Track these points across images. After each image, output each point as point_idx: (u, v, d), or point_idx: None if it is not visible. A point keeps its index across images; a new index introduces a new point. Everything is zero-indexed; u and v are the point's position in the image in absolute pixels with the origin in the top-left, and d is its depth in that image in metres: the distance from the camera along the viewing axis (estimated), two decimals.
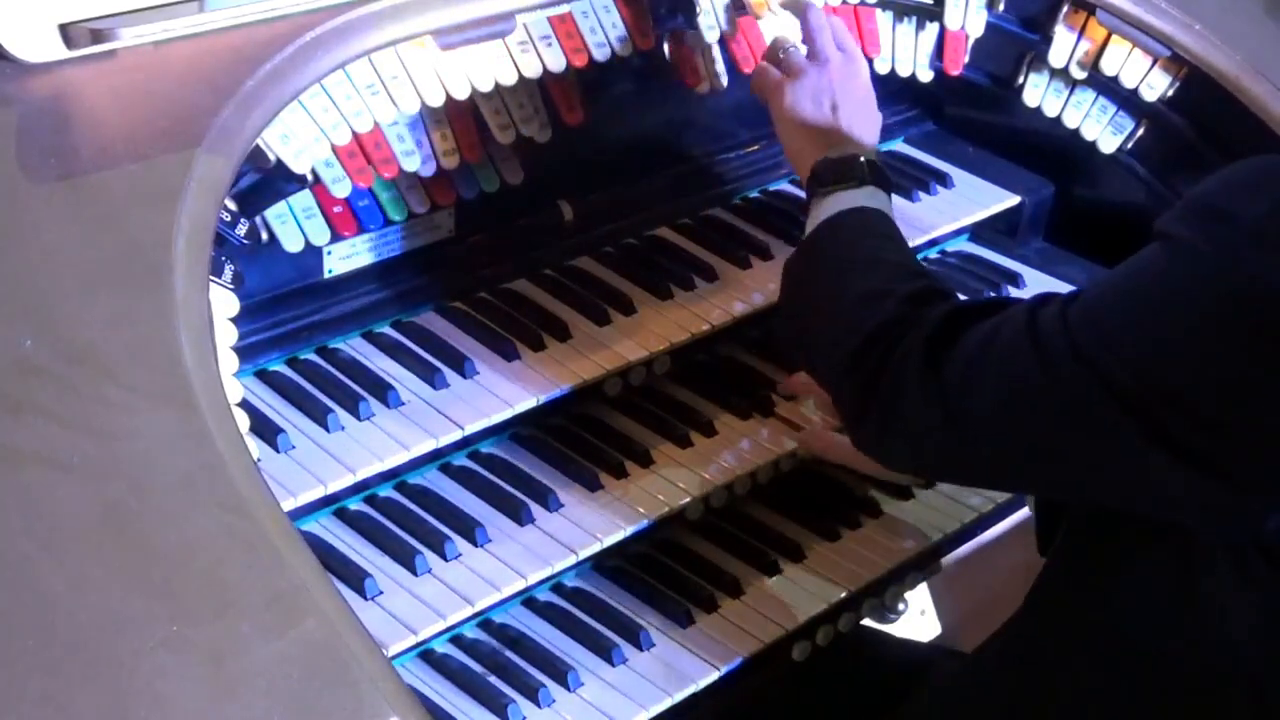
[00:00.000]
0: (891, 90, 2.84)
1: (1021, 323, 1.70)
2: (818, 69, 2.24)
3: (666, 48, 2.38)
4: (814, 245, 2.08)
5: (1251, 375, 1.54)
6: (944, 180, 2.77)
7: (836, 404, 2.00)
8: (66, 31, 1.77)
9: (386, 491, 2.08)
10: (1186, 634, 1.73)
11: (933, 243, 2.70)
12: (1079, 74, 2.63)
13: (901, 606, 2.64)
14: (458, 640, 2.00)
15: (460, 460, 2.14)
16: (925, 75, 2.70)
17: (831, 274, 2.01)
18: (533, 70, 2.18)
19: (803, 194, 2.66)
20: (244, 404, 1.75)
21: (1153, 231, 1.64)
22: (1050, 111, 2.69)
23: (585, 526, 2.06)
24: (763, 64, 2.33)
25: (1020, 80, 2.70)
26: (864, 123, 2.22)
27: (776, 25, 2.49)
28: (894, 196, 2.68)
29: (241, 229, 1.93)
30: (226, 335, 1.76)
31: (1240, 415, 1.56)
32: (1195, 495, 1.62)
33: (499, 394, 2.12)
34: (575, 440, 2.19)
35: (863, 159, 2.14)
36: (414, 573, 1.96)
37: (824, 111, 2.20)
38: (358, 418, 2.05)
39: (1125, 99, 2.63)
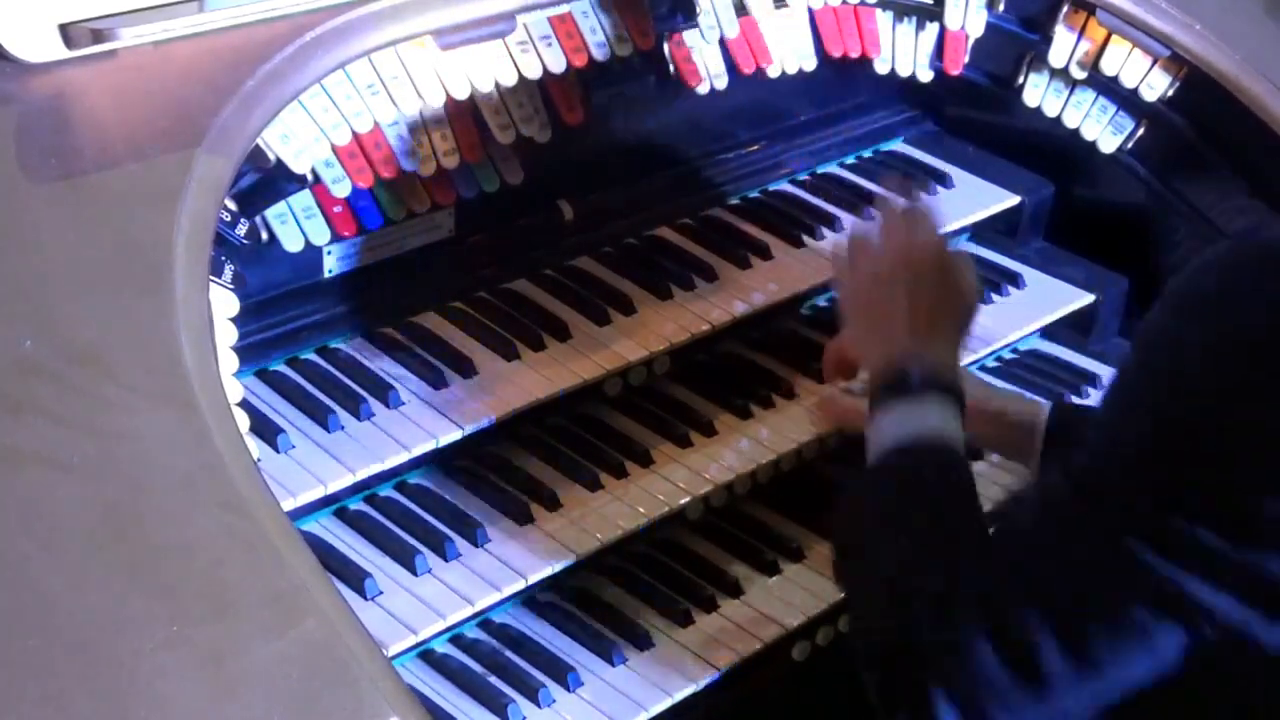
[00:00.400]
0: (891, 90, 2.85)
1: (1038, 517, 1.65)
2: (881, 254, 1.97)
3: (666, 48, 2.38)
4: (874, 483, 1.84)
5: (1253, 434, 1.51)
6: (944, 180, 2.77)
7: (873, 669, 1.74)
8: (66, 31, 1.77)
9: (386, 491, 2.08)
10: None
11: None
12: (1079, 74, 2.63)
13: None
14: (458, 640, 2.00)
15: (460, 460, 2.14)
16: (925, 75, 2.71)
17: (887, 528, 1.78)
18: (533, 70, 2.18)
19: (803, 193, 2.68)
20: (244, 404, 1.75)
21: (1133, 340, 1.63)
22: (1050, 111, 2.69)
23: (585, 526, 2.06)
24: (837, 245, 2.07)
25: (1020, 80, 2.70)
26: (936, 314, 1.92)
27: (778, 25, 2.50)
28: (894, 196, 2.69)
29: (241, 229, 1.94)
30: (226, 335, 1.76)
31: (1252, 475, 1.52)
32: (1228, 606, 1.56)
33: (499, 394, 2.12)
34: (575, 440, 2.19)
35: (927, 365, 1.85)
36: (414, 573, 1.96)
37: (888, 303, 1.91)
38: (358, 418, 2.05)
39: (1125, 99, 2.63)
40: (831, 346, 2.26)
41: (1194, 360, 1.54)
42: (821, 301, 2.55)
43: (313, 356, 2.15)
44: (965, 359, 2.44)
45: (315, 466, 1.97)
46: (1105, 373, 2.61)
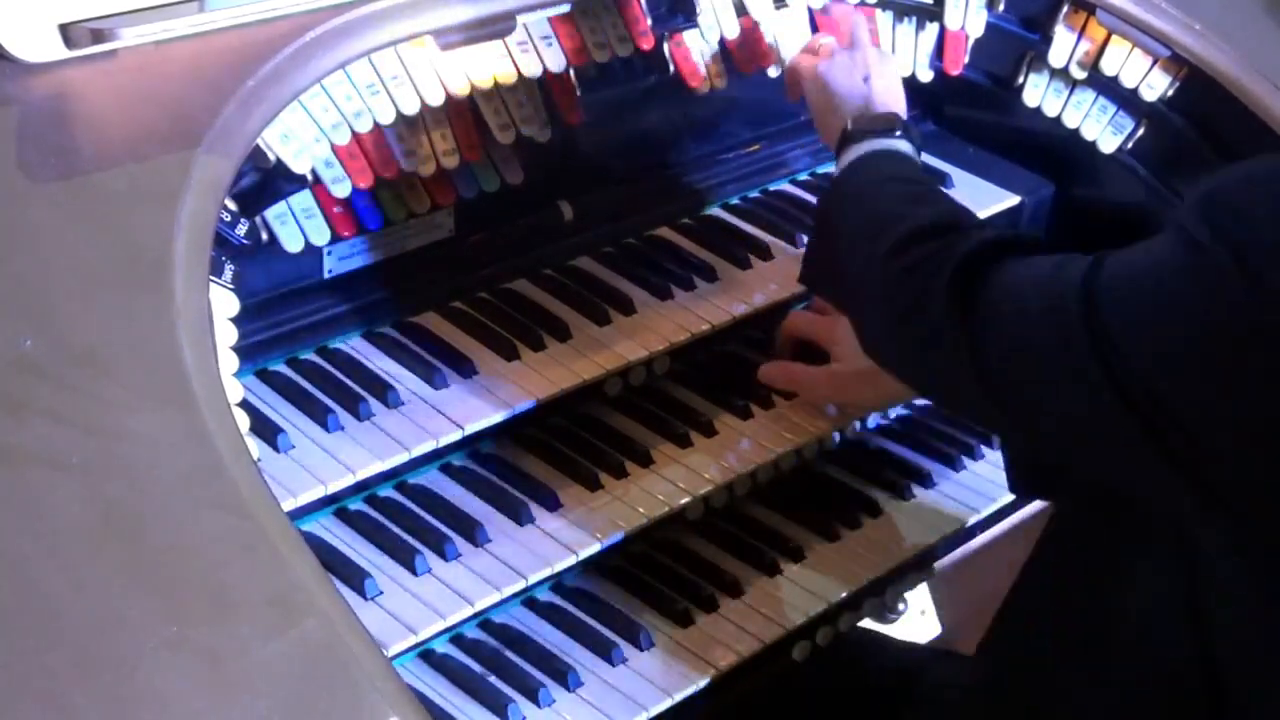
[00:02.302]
0: None
1: (1053, 284, 1.67)
2: (850, 49, 2.32)
3: (666, 48, 2.38)
4: (850, 173, 2.13)
5: (1262, 405, 1.49)
6: (944, 180, 2.77)
7: (856, 311, 2.03)
8: (66, 31, 1.77)
9: (386, 491, 2.08)
10: (1175, 643, 1.72)
11: None
12: (1079, 74, 2.63)
13: (901, 606, 2.64)
14: (458, 640, 2.00)
15: (460, 460, 2.14)
16: (925, 75, 2.70)
17: (867, 193, 2.06)
18: (533, 70, 2.18)
19: (803, 193, 2.69)
20: (244, 404, 1.75)
21: (1169, 223, 1.58)
22: (1050, 111, 2.69)
23: (585, 526, 2.06)
24: (797, 54, 2.42)
25: (1020, 80, 2.70)
26: (895, 95, 2.27)
27: (781, 26, 2.50)
28: None
29: (241, 229, 1.94)
30: (226, 335, 1.76)
31: (1248, 449, 1.51)
32: (1191, 505, 1.60)
33: (499, 394, 2.12)
34: (575, 440, 2.19)
35: (896, 115, 2.19)
36: (414, 573, 1.96)
37: (856, 81, 2.25)
38: (358, 418, 2.05)
39: (1125, 99, 2.63)
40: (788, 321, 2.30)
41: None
42: None
43: (313, 356, 2.15)
44: None
45: (315, 466, 1.97)
46: None
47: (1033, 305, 1.67)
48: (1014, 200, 2.77)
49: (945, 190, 2.57)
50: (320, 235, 2.10)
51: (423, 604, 1.92)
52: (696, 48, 2.41)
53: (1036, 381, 1.67)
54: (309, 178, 2.01)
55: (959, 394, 1.84)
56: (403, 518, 2.04)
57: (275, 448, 1.97)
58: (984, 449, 2.41)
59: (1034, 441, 1.88)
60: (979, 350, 1.72)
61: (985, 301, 1.72)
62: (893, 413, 2.45)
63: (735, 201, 2.64)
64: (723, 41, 2.43)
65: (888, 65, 2.30)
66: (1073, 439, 1.68)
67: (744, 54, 2.46)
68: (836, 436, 2.36)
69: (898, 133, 2.16)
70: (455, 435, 2.06)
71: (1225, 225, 1.51)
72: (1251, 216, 1.51)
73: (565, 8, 2.21)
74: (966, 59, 2.69)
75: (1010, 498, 2.35)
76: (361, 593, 1.91)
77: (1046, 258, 1.73)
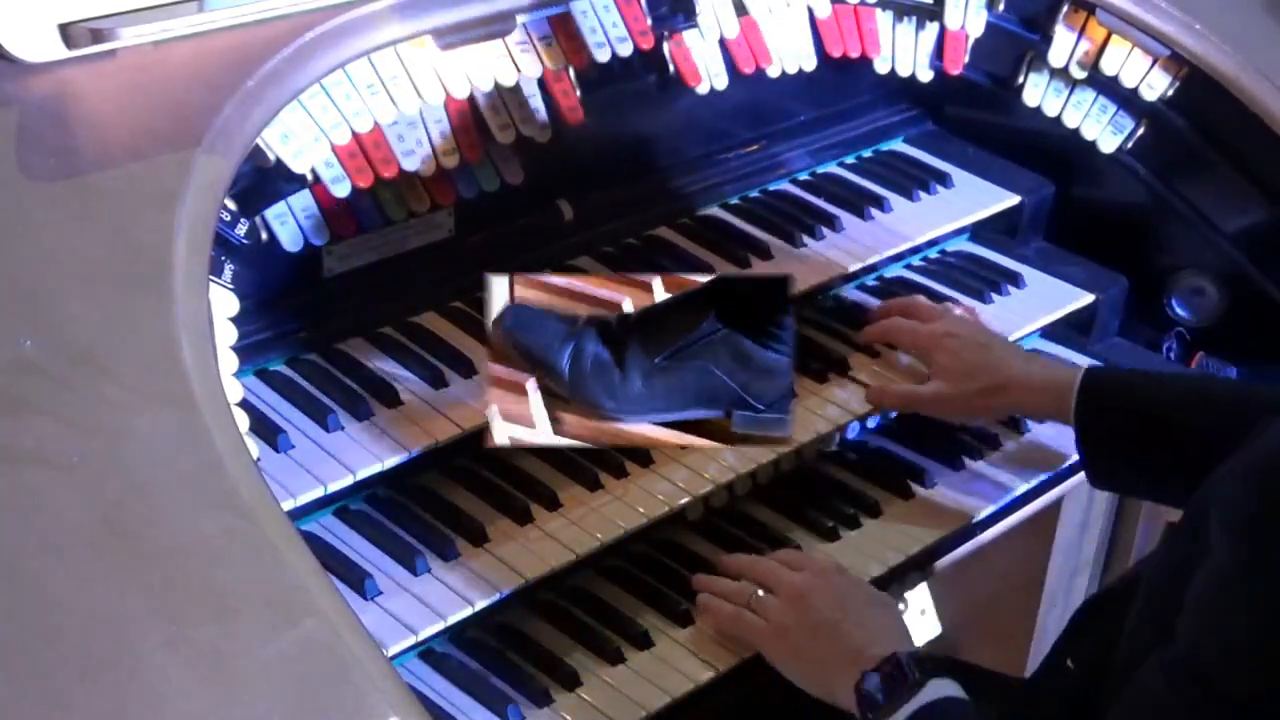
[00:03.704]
0: (891, 90, 2.85)
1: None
2: (788, 602, 1.98)
3: (666, 48, 2.38)
4: None
5: None
6: (944, 180, 2.77)
7: None
8: (66, 31, 1.77)
9: (386, 491, 2.08)
10: None
11: (933, 243, 2.70)
12: (1079, 74, 2.64)
13: (901, 607, 2.63)
14: (458, 640, 2.00)
15: (460, 460, 2.14)
16: (925, 75, 2.71)
17: None
18: (533, 70, 2.18)
19: (803, 193, 2.69)
20: (244, 404, 1.76)
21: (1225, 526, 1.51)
22: (1050, 111, 2.69)
23: (585, 526, 2.06)
24: (741, 613, 2.00)
25: (1020, 80, 2.70)
26: (870, 618, 1.95)
27: (778, 25, 2.50)
28: (894, 196, 2.70)
29: (241, 229, 1.94)
30: (226, 335, 1.76)
31: None
32: None
33: None
34: None
35: (899, 657, 1.84)
36: (414, 573, 1.96)
37: (821, 638, 1.93)
38: (358, 418, 2.05)
39: (1125, 99, 2.63)
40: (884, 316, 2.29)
41: None
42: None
43: (313, 356, 2.15)
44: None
45: (315, 466, 1.97)
46: None
47: None
48: (1014, 200, 2.77)
49: None
50: (320, 235, 2.10)
51: (423, 604, 1.92)
52: (696, 48, 2.41)
53: None
54: (309, 178, 2.02)
55: None
56: (403, 518, 2.04)
57: (275, 448, 1.97)
58: (984, 449, 2.41)
59: None
60: None
61: None
62: (892, 412, 2.44)
63: (735, 201, 2.64)
64: (723, 41, 2.43)
65: (835, 586, 1.98)
66: None
67: (744, 54, 2.46)
68: (836, 437, 2.35)
69: (920, 683, 1.81)
70: (455, 435, 2.06)
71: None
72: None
73: (565, 8, 2.21)
74: (966, 59, 2.69)
75: (1010, 497, 2.35)
76: (361, 593, 1.91)
77: None
